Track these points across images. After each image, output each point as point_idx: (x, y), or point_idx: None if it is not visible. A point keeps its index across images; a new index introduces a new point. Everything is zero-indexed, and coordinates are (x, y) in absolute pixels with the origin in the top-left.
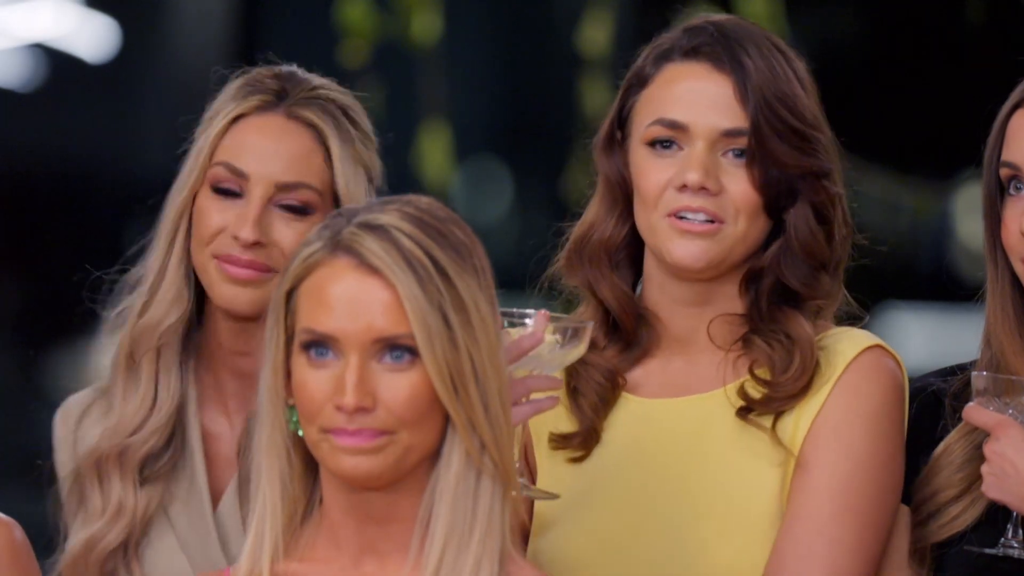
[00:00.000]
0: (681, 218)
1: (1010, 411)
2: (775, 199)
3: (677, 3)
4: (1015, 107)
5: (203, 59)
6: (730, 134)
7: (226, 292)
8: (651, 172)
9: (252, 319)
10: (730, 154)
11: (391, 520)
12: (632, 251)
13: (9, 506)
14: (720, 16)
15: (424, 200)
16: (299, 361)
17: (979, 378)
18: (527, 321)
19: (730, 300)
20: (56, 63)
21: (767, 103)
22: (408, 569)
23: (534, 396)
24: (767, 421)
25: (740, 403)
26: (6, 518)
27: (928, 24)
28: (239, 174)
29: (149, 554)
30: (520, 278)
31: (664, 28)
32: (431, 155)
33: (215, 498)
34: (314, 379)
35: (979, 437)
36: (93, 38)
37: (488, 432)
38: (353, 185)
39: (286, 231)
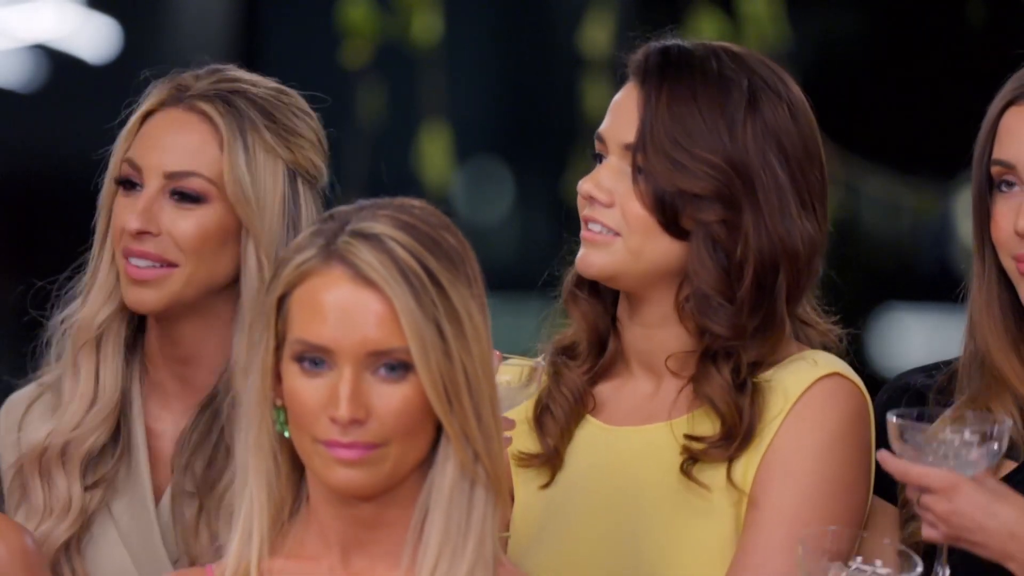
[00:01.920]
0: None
1: (929, 458)
2: (670, 220)
3: (679, 3)
4: (1007, 105)
5: (204, 60)
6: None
7: (130, 293)
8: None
9: (164, 318)
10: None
11: (380, 525)
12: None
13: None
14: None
15: (416, 205)
16: (291, 369)
17: (897, 426)
18: None
19: (682, 327)
20: (57, 64)
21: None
22: (401, 574)
23: None
24: (717, 470)
25: (683, 456)
26: (18, 524)
27: (929, 24)
28: (136, 167)
29: (91, 549)
30: (521, 279)
31: (666, 28)
32: (432, 156)
33: (156, 495)
34: (307, 388)
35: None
36: (94, 38)
37: (481, 442)
38: (251, 177)
39: (178, 220)
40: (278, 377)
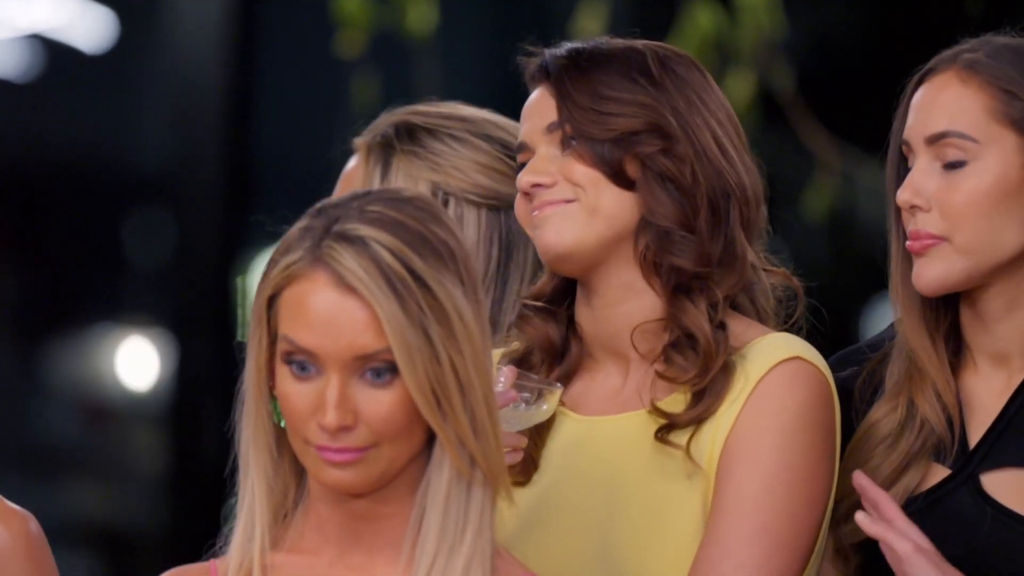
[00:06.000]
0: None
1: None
2: (616, 168)
3: None
4: (919, 82)
5: (201, 50)
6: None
7: None
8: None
9: None
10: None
11: (378, 519)
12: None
13: (8, 498)
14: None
15: (408, 197)
16: (282, 371)
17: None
18: (499, 380)
19: (644, 296)
20: (54, 54)
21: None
22: (400, 569)
23: None
24: (682, 438)
25: (661, 421)
26: (21, 510)
27: (926, 15)
28: None
29: None
30: None
31: (659, 19)
32: None
33: None
34: (297, 393)
35: (895, 422)
36: (91, 29)
37: (476, 444)
38: None
39: None
40: (273, 372)
